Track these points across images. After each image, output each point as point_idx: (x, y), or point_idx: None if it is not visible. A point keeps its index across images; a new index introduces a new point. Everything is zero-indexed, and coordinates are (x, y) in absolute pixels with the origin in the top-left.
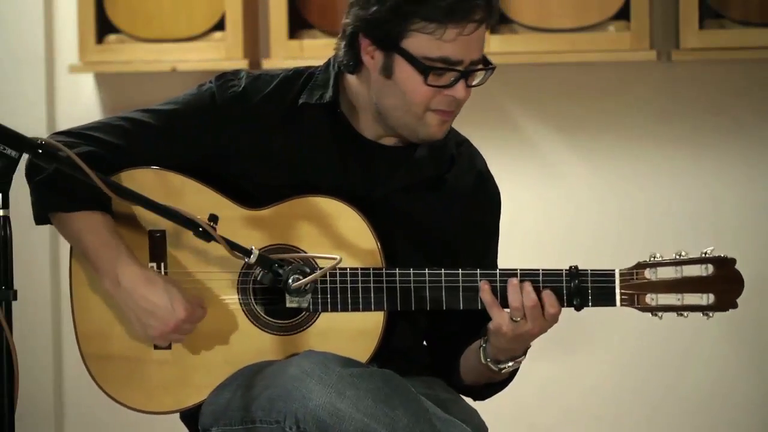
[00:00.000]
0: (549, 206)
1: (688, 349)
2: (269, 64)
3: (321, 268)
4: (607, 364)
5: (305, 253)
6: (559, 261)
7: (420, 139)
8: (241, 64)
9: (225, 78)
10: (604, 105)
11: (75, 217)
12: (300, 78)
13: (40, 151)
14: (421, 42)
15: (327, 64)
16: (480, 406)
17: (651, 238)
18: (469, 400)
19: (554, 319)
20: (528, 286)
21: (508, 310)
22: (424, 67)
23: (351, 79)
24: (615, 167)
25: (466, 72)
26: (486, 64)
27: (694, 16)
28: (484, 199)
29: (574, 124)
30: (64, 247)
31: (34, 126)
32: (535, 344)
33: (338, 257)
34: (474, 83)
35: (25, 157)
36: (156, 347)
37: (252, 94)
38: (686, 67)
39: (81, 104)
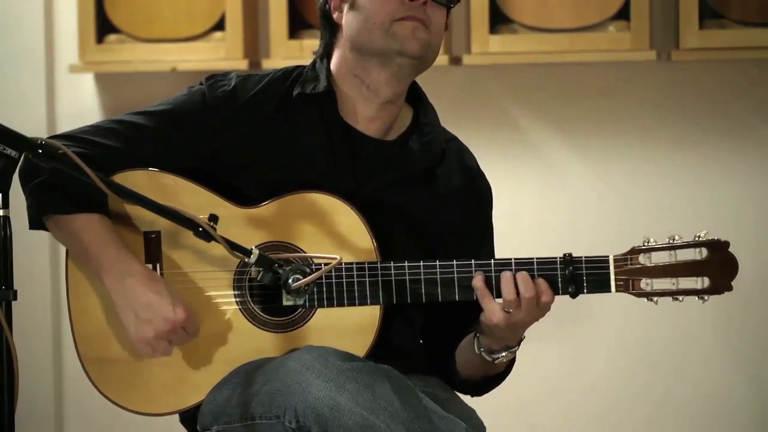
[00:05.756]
0: (549, 206)
1: (688, 349)
2: (269, 64)
3: (321, 267)
4: (607, 363)
5: (301, 249)
6: None
7: (400, 54)
8: (241, 64)
9: (215, 79)
10: (604, 105)
11: (74, 219)
12: (289, 76)
13: (40, 151)
14: None
15: (313, 62)
16: (479, 406)
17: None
18: (467, 399)
19: (547, 308)
20: (525, 276)
21: (500, 300)
22: None
23: (334, 61)
24: (615, 167)
25: None
26: None
27: (694, 16)
28: (476, 196)
29: (574, 124)
30: (64, 246)
31: (34, 126)
32: (536, 344)
33: (338, 257)
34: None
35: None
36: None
37: (242, 92)
38: (686, 67)
39: (81, 104)
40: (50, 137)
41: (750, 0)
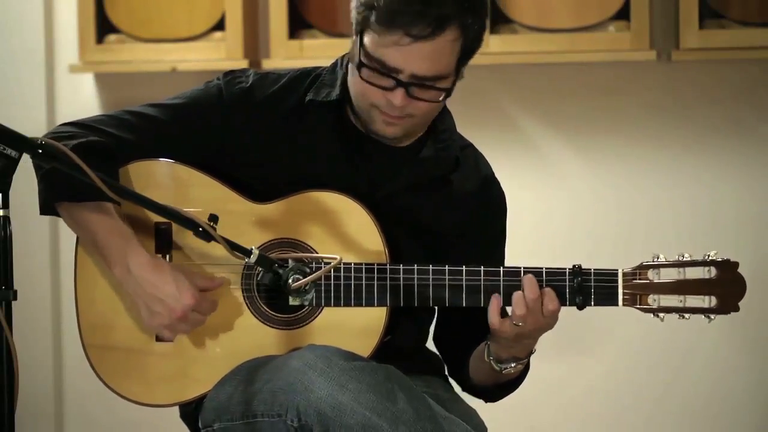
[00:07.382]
0: (549, 206)
1: (688, 349)
2: (269, 64)
3: (322, 265)
4: (608, 363)
5: (311, 247)
6: (558, 261)
7: (373, 132)
8: (241, 64)
9: (233, 75)
10: (604, 105)
11: (84, 207)
12: (307, 78)
13: (40, 151)
14: (371, 38)
15: (334, 64)
16: (480, 406)
17: (650, 237)
18: (468, 399)
19: (553, 316)
20: (531, 279)
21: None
22: (360, 62)
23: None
24: (615, 167)
25: (406, 83)
26: (439, 80)
27: (694, 16)
28: (490, 204)
29: (574, 124)
30: (64, 246)
31: (34, 126)
32: (536, 344)
33: (338, 257)
34: (423, 98)
35: (25, 157)
36: (158, 340)
37: (258, 91)
38: (686, 67)
39: (81, 104)
40: (63, 124)
41: (750, 0)
